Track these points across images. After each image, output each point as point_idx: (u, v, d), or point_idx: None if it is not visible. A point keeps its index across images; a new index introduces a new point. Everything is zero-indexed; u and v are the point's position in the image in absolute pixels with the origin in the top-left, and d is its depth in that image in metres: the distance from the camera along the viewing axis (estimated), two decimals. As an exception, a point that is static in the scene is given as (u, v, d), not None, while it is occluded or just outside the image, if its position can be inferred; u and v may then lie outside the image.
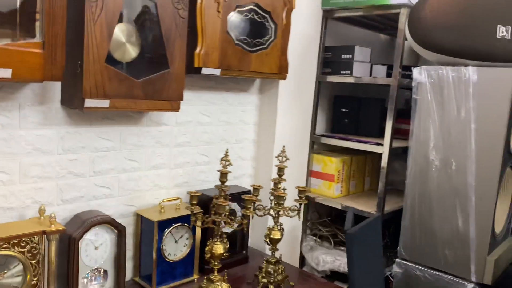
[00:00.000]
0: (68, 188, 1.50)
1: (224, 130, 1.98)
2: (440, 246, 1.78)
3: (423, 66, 1.81)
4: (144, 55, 1.48)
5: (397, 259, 1.94)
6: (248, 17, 1.72)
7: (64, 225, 1.43)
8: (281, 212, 1.71)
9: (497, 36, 1.60)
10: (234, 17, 1.68)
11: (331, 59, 2.25)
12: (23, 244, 1.24)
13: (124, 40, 1.43)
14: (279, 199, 1.68)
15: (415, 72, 1.82)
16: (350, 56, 2.17)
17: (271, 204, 1.71)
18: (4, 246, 1.21)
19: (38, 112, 1.39)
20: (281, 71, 1.90)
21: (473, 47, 1.63)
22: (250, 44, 1.75)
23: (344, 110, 2.45)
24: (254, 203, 1.58)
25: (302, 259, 2.37)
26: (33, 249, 1.27)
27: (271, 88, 2.06)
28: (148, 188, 1.72)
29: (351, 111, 2.42)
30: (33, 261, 1.27)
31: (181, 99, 1.55)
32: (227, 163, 1.51)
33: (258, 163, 2.16)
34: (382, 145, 2.01)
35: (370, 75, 2.26)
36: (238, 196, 1.72)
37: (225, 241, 1.56)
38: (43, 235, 1.27)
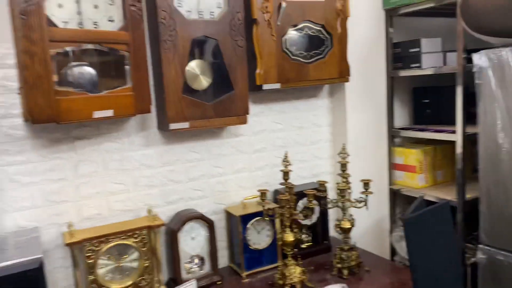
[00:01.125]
0: (170, 192, 1.92)
1: (297, 134, 2.23)
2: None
3: (482, 51, 1.81)
4: (214, 82, 1.82)
5: (479, 245, 1.93)
6: (302, 33, 1.96)
7: (167, 222, 1.85)
8: (348, 204, 1.89)
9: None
10: (289, 36, 1.93)
11: (401, 54, 2.32)
12: (136, 236, 1.68)
13: (198, 73, 1.80)
14: (342, 192, 1.86)
15: (475, 57, 1.83)
16: (418, 49, 2.22)
17: (338, 197, 1.90)
18: (123, 237, 1.66)
19: (141, 137, 1.84)
20: (342, 75, 2.08)
21: (526, 26, 1.60)
22: (307, 57, 1.98)
23: (424, 101, 2.48)
24: (315, 196, 1.79)
25: (393, 250, 2.46)
26: (143, 239, 1.70)
27: (339, 90, 2.24)
28: (233, 189, 2.06)
29: (432, 102, 2.43)
30: (144, 249, 1.70)
31: (247, 113, 1.86)
32: (287, 163, 1.76)
33: (336, 161, 2.34)
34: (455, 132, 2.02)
35: (444, 63, 2.26)
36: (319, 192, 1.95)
37: (295, 231, 1.80)
38: (149, 229, 1.70)
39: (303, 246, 2.12)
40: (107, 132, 1.77)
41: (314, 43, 1.99)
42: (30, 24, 1.32)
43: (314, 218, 2.12)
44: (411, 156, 2.33)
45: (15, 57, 1.34)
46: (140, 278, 1.70)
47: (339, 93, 2.25)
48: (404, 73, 2.29)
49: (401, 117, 2.54)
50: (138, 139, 1.83)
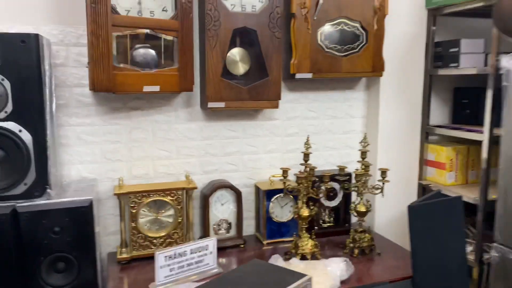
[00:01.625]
0: (207, 163, 2.20)
1: (330, 123, 2.39)
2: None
3: (511, 53, 1.85)
4: (251, 69, 2.05)
5: (494, 244, 1.99)
6: (337, 28, 2.11)
7: (202, 187, 2.13)
8: (364, 189, 2.04)
9: None
10: (324, 31, 2.10)
11: (441, 53, 2.38)
12: (172, 195, 1.98)
13: (238, 60, 2.04)
14: (359, 177, 2.01)
15: (504, 60, 1.87)
16: (457, 49, 2.27)
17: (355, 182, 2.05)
18: (162, 194, 1.96)
19: (186, 112, 2.13)
20: (375, 70, 2.20)
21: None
22: (341, 50, 2.13)
23: (464, 101, 2.52)
24: (332, 178, 1.95)
25: (418, 242, 2.54)
26: (179, 198, 1.99)
27: (375, 84, 2.36)
28: (264, 166, 2.29)
29: (471, 102, 2.46)
30: (179, 207, 2.00)
31: (279, 99, 2.07)
32: (308, 146, 1.96)
33: (371, 152, 2.47)
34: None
35: (485, 65, 2.29)
36: (333, 176, 2.13)
37: (311, 208, 1.99)
38: (184, 190, 1.99)
39: (324, 225, 2.30)
40: (158, 105, 2.08)
41: (349, 38, 2.14)
42: (98, 11, 1.64)
43: (337, 201, 2.28)
44: (442, 153, 2.39)
45: (87, 37, 1.67)
46: (173, 231, 2.00)
47: (374, 87, 2.37)
48: (442, 72, 2.34)
49: (440, 116, 2.60)
50: (183, 114, 2.12)
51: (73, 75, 1.92)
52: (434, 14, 2.37)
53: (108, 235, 2.07)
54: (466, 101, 2.49)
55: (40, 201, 1.58)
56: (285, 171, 1.98)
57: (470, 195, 2.18)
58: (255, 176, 2.29)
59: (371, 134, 2.41)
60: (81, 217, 1.60)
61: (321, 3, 2.03)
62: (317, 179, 2.02)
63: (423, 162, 2.52)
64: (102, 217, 2.05)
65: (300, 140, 2.34)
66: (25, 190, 1.57)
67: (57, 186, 1.72)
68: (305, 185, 1.96)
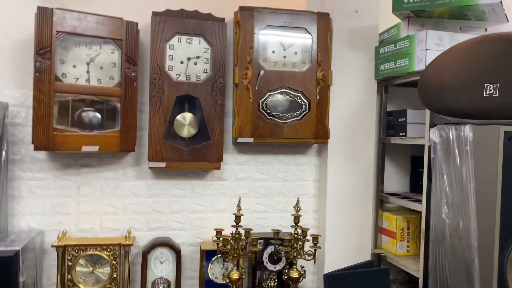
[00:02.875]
0: (153, 220, 2.29)
1: (281, 186, 2.45)
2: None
3: (436, 126, 1.89)
4: (196, 132, 2.18)
5: (428, 321, 1.91)
6: (279, 98, 2.23)
7: (145, 245, 2.21)
8: (298, 256, 2.04)
9: (485, 95, 1.61)
10: (266, 99, 2.22)
11: (393, 122, 2.43)
12: (109, 250, 2.06)
13: (185, 123, 2.18)
14: (291, 243, 2.03)
15: (431, 132, 1.91)
16: (404, 119, 2.32)
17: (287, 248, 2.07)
18: (99, 249, 2.05)
19: (134, 170, 2.26)
20: (319, 137, 2.28)
21: (462, 107, 1.67)
22: (283, 118, 2.24)
23: (420, 170, 2.51)
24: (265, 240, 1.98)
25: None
26: (115, 254, 2.07)
27: (324, 150, 2.42)
28: (212, 226, 2.34)
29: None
30: (115, 262, 2.07)
31: (221, 161, 2.17)
32: (239, 209, 2.01)
33: (320, 215, 2.49)
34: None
35: (434, 135, 2.31)
36: (267, 239, 2.16)
37: (242, 271, 2.01)
38: (120, 246, 2.07)
39: (269, 290, 2.29)
40: (107, 163, 2.22)
41: (291, 106, 2.24)
42: (41, 79, 1.84)
43: (281, 265, 2.28)
44: (393, 222, 2.37)
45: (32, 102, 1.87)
46: (108, 286, 2.06)
47: (324, 153, 2.43)
48: (394, 140, 2.38)
49: (400, 183, 2.60)
50: (132, 172, 2.25)
51: (30, 133, 2.11)
52: (384, 85, 2.45)
53: (51, 285, 2.15)
54: (421, 170, 2.48)
55: (-31, 250, 1.71)
56: (218, 232, 2.03)
57: (413, 267, 2.13)
58: (201, 235, 2.35)
59: (322, 198, 2.43)
60: (6, 266, 1.71)
61: (262, 74, 2.16)
62: (245, 242, 2.04)
63: (378, 229, 2.50)
64: (46, 267, 2.15)
65: (250, 201, 2.40)
66: (-44, 239, 1.71)
67: (-7, 236, 1.85)
68: (235, 247, 2.00)
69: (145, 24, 2.12)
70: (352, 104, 2.38)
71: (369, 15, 2.37)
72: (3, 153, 1.94)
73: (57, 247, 2.00)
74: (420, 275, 2.05)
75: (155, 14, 2.08)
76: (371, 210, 2.44)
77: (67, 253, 2.02)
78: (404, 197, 2.35)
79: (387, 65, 2.25)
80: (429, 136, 1.93)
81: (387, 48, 2.25)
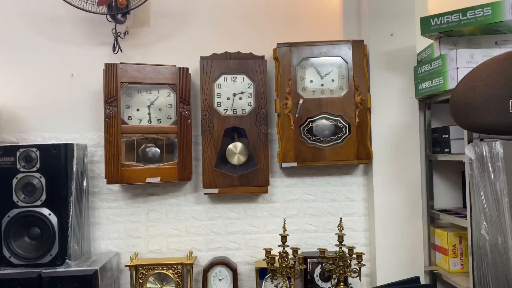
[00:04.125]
0: (211, 241, 2.53)
1: (329, 206, 2.57)
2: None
3: (472, 143, 1.92)
4: (246, 160, 2.41)
5: None
6: (319, 123, 2.38)
7: (206, 264, 2.45)
8: (343, 273, 2.15)
9: (510, 111, 1.64)
10: (308, 125, 2.38)
11: (438, 139, 2.46)
12: (173, 269, 2.33)
13: (236, 152, 2.42)
14: (336, 261, 2.14)
15: (466, 149, 1.94)
16: (447, 135, 2.34)
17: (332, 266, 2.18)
18: (165, 268, 2.33)
19: (193, 197, 2.53)
20: (361, 157, 2.38)
21: (489, 124, 1.71)
22: (324, 141, 2.38)
23: (472, 184, 2.49)
24: (305, 259, 2.12)
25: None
26: (178, 272, 2.34)
27: (370, 170, 2.51)
28: (265, 246, 2.52)
29: (478, 186, 2.43)
30: (179, 280, 2.33)
31: (268, 185, 2.37)
32: (285, 229, 2.17)
33: (370, 233, 2.56)
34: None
35: (481, 149, 2.31)
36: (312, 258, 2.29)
37: (292, 287, 2.16)
38: (182, 265, 2.33)
39: (322, 307, 2.40)
40: (170, 191, 2.52)
41: (332, 130, 2.38)
42: (110, 123, 2.19)
43: (332, 282, 2.39)
44: (444, 238, 2.38)
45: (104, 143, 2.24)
46: (174, 301, 2.32)
47: (369, 172, 2.52)
48: (439, 157, 2.41)
49: (452, 199, 2.59)
50: (191, 198, 2.53)
51: (105, 169, 2.48)
52: (427, 102, 2.49)
53: (127, 301, 2.47)
54: (473, 184, 2.46)
55: (60, 269, 2.07)
56: (267, 251, 2.22)
57: (464, 285, 2.12)
58: (256, 254, 2.54)
59: (371, 217, 2.51)
60: (86, 284, 2.04)
61: (301, 103, 2.34)
62: (294, 260, 2.19)
63: (431, 246, 2.51)
64: (122, 285, 2.48)
65: (300, 221, 2.55)
66: (50, 260, 2.08)
67: (78, 257, 2.21)
68: (283, 265, 2.16)
69: (195, 68, 2.41)
70: (394, 123, 2.45)
71: (405, 37, 2.44)
72: (84, 186, 2.31)
73: (130, 267, 2.31)
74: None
75: (203, 58, 2.36)
76: (421, 227, 2.46)
77: (138, 272, 2.32)
78: (455, 213, 2.35)
79: (425, 84, 2.30)
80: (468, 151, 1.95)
81: (424, 67, 2.31)
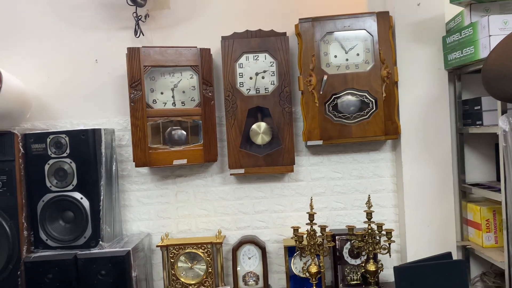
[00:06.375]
0: (239, 220, 2.56)
1: (357, 183, 2.54)
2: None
3: (506, 114, 1.84)
4: (270, 139, 2.40)
5: (513, 314, 1.87)
6: (344, 99, 2.33)
7: (234, 243, 2.48)
8: (373, 250, 2.14)
9: (547, 79, 1.56)
10: (333, 102, 2.34)
11: (469, 111, 2.37)
12: (203, 248, 2.38)
13: (260, 132, 2.41)
14: (365, 237, 2.13)
15: (500, 120, 1.86)
16: (479, 107, 2.26)
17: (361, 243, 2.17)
18: (194, 247, 2.37)
19: (220, 177, 2.55)
20: (389, 133, 2.33)
21: (525, 93, 1.63)
22: (350, 118, 2.33)
23: (506, 157, 2.41)
24: (332, 236, 2.11)
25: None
26: (208, 251, 2.38)
27: (398, 145, 2.45)
28: (293, 224, 2.53)
29: (512, 158, 2.35)
30: (209, 258, 2.38)
31: (293, 164, 2.36)
32: (312, 207, 2.17)
33: (400, 210, 2.53)
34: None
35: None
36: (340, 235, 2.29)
37: (320, 264, 2.17)
38: (212, 244, 2.37)
39: (352, 282, 2.40)
40: (197, 172, 2.54)
41: (358, 106, 2.33)
42: (136, 107, 2.21)
43: (362, 259, 2.38)
44: (477, 212, 2.32)
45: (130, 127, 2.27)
46: (205, 280, 2.37)
47: (397, 148, 2.46)
48: (471, 130, 2.33)
49: (485, 173, 2.52)
50: (218, 178, 2.55)
51: (133, 152, 2.52)
52: (457, 73, 2.40)
53: (159, 280, 2.54)
54: (507, 157, 2.37)
55: (94, 251, 2.14)
56: (295, 230, 2.22)
57: (500, 259, 2.08)
58: (284, 232, 2.55)
59: (400, 193, 2.47)
60: (120, 264, 2.11)
61: (325, 79, 2.29)
62: (322, 238, 2.19)
63: (463, 221, 2.45)
64: (155, 265, 2.54)
65: (328, 199, 2.54)
66: (84, 242, 2.16)
67: (111, 239, 2.27)
68: (311, 243, 2.16)
69: (216, 48, 2.39)
70: (422, 96, 2.38)
71: (433, 5, 2.34)
72: (114, 170, 2.36)
73: (161, 247, 2.37)
74: (505, 267, 2.00)
75: (223, 38, 2.34)
76: (452, 201, 2.40)
77: (169, 252, 2.37)
78: (488, 187, 2.28)
79: (455, 54, 2.21)
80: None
81: (453, 37, 2.21)
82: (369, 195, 2.22)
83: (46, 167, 2.16)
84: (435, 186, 2.39)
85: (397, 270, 1.79)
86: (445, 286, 1.82)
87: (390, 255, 2.12)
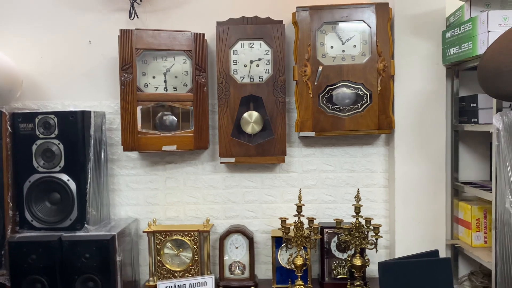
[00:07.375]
0: (228, 209, 2.53)
1: (348, 177, 2.51)
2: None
3: (500, 112, 1.80)
4: (260, 129, 2.36)
5: (498, 314, 1.85)
6: (339, 91, 2.30)
7: (222, 232, 2.46)
8: (359, 244, 2.11)
9: (543, 77, 1.52)
10: (327, 93, 2.31)
11: (465, 108, 2.34)
12: (190, 235, 2.36)
13: (251, 121, 2.38)
14: (352, 232, 2.10)
15: (494, 118, 1.83)
16: (475, 105, 2.22)
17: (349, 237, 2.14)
18: (181, 235, 2.36)
19: (210, 165, 2.52)
20: (382, 127, 2.29)
21: (520, 91, 1.59)
22: (344, 110, 2.30)
23: (500, 156, 2.37)
24: (314, 229, 2.09)
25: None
26: (195, 239, 2.36)
27: (392, 140, 2.42)
28: (282, 215, 2.51)
29: (506, 158, 2.32)
30: (195, 246, 2.36)
31: (285, 155, 2.33)
32: (300, 199, 2.14)
33: (390, 205, 2.50)
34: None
35: None
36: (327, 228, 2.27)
37: (306, 257, 2.15)
38: (199, 232, 2.35)
39: (339, 276, 2.38)
40: (188, 159, 2.52)
41: (352, 99, 2.29)
42: (126, 91, 2.18)
43: (349, 253, 2.36)
44: (468, 211, 2.29)
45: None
46: (190, 267, 2.36)
47: (391, 143, 2.43)
48: (466, 127, 2.29)
49: (478, 171, 2.49)
50: (209, 166, 2.52)
51: (123, 136, 2.49)
52: (455, 69, 2.36)
53: (146, 265, 2.53)
54: (501, 157, 2.34)
55: (79, 233, 2.13)
56: (283, 221, 2.20)
57: (487, 259, 2.05)
58: (273, 223, 2.53)
59: (391, 188, 2.44)
60: (104, 248, 2.09)
61: (320, 70, 2.25)
62: (310, 230, 2.17)
63: (454, 220, 2.43)
64: (142, 250, 2.53)
65: (318, 192, 2.52)
66: (69, 224, 2.14)
67: (97, 222, 2.25)
68: (298, 235, 2.14)
69: (211, 34, 2.35)
70: (419, 92, 2.34)
71: (434, -1, 2.29)
72: (103, 153, 2.33)
73: (148, 233, 2.35)
74: (492, 267, 1.97)
75: (219, 24, 2.29)
76: (444, 199, 2.37)
77: (156, 238, 2.36)
78: (480, 186, 2.25)
79: (453, 49, 2.17)
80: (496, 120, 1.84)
81: (453, 32, 2.17)
82: (358, 189, 2.19)
83: (34, 147, 2.14)
84: (427, 183, 2.36)
85: (382, 265, 1.77)
86: (430, 284, 1.80)
87: (376, 250, 2.10)
